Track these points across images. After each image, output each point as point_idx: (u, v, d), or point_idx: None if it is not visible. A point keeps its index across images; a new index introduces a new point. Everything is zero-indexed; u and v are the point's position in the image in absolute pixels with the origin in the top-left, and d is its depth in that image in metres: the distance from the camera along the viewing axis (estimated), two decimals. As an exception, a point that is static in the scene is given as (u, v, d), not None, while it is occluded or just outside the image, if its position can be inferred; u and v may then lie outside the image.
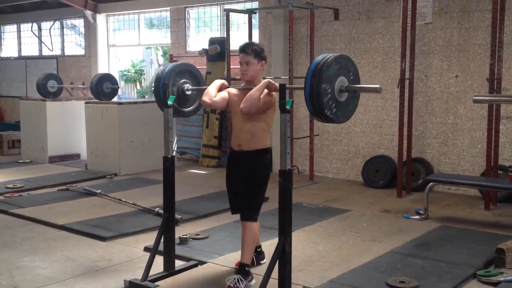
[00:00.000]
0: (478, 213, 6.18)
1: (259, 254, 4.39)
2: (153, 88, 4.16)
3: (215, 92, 4.01)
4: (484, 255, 4.55)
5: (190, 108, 4.41)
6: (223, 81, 4.16)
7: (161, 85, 4.13)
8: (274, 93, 3.91)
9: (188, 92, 4.29)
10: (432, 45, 7.32)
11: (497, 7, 6.15)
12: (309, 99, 3.19)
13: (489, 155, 6.31)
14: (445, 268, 4.29)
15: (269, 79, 3.90)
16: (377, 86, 3.37)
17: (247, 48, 4.02)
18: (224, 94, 4.07)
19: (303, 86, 3.24)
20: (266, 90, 3.85)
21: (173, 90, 4.18)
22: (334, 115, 3.26)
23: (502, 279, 4.00)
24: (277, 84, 3.78)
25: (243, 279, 3.83)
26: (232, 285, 3.80)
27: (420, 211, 6.00)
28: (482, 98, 6.11)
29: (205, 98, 3.96)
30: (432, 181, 6.07)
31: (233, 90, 4.12)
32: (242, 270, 3.90)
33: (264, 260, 4.38)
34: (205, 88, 4.14)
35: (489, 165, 6.32)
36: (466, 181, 6.19)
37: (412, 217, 5.94)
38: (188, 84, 4.29)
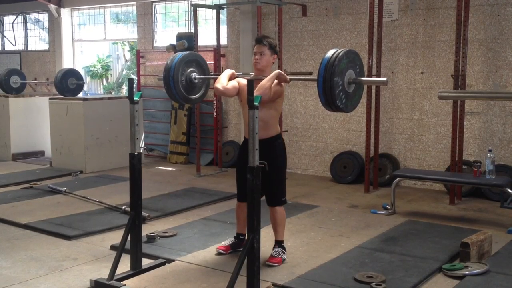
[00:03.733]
0: (443, 208, 6.29)
1: (242, 241, 4.54)
2: (163, 78, 4.40)
3: (226, 81, 4.26)
4: (450, 249, 4.63)
5: (197, 95, 4.57)
6: (233, 70, 4.40)
7: (172, 76, 4.29)
8: (283, 83, 4.19)
9: (195, 81, 4.44)
10: (398, 41, 7.40)
11: (461, 4, 6.25)
12: (322, 91, 3.46)
13: (454, 151, 6.42)
14: (411, 263, 4.35)
15: (279, 71, 4.14)
16: (384, 79, 3.79)
17: (263, 40, 4.32)
18: (234, 83, 4.31)
19: (315, 78, 3.50)
20: (276, 80, 4.09)
21: (182, 79, 4.36)
22: (343, 105, 3.55)
23: (467, 272, 4.06)
24: (287, 76, 4.11)
25: (284, 251, 4.38)
26: (276, 256, 4.30)
27: (387, 206, 6.07)
28: (447, 94, 6.20)
29: (218, 85, 4.22)
30: (399, 176, 6.14)
31: (242, 80, 4.34)
32: (281, 245, 4.40)
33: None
34: (212, 77, 4.48)
35: (454, 160, 6.43)
36: (432, 176, 6.29)
37: (379, 212, 6.00)
38: (195, 73, 4.45)
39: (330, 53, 3.51)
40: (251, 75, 4.37)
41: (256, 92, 3.95)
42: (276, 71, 4.13)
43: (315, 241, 5.00)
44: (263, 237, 3.87)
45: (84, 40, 12.00)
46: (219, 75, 4.44)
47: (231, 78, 4.33)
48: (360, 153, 7.61)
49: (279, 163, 4.37)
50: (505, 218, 5.69)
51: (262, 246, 3.60)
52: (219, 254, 4.55)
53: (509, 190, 5.48)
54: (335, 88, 3.43)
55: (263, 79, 4.13)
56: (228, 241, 4.66)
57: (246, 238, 4.51)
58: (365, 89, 7.05)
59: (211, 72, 4.96)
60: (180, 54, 4.42)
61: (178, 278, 4.07)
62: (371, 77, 6.91)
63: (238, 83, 4.34)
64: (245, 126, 4.37)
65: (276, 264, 4.28)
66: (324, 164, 8.12)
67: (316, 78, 3.49)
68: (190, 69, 4.44)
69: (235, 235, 4.67)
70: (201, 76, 4.49)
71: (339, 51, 3.51)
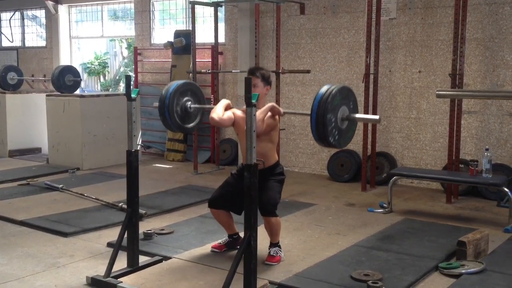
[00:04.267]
0: (440, 206, 6.30)
1: (236, 240, 4.57)
2: (158, 108, 4.40)
3: (222, 111, 4.26)
4: (446, 248, 4.63)
5: (192, 123, 4.54)
6: (228, 101, 4.38)
7: (167, 106, 4.27)
8: (277, 116, 4.19)
9: (191, 110, 4.42)
10: (396, 40, 7.41)
11: (459, 3, 6.25)
12: (315, 128, 3.45)
13: (451, 149, 6.42)
14: (408, 261, 4.35)
15: (273, 103, 4.12)
16: (377, 117, 3.78)
17: (256, 72, 4.32)
18: (230, 114, 4.32)
19: (308, 113, 3.49)
20: (269, 113, 4.07)
21: (177, 108, 4.34)
22: (336, 142, 3.54)
23: (463, 271, 4.07)
24: (281, 109, 4.12)
25: (280, 249, 4.41)
26: (275, 255, 4.32)
27: (384, 205, 6.07)
28: (445, 93, 6.22)
29: (214, 115, 4.22)
30: (396, 175, 6.15)
31: (237, 111, 4.37)
32: (277, 244, 4.41)
33: None
34: (207, 107, 4.49)
35: (450, 159, 6.43)
36: (429, 175, 6.30)
37: (376, 210, 6.01)
38: (190, 102, 4.42)
39: (323, 89, 3.49)
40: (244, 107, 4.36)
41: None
42: (270, 104, 4.09)
43: (312, 239, 5.00)
44: (260, 235, 3.86)
45: (81, 37, 11.98)
46: (215, 105, 4.45)
47: (227, 108, 4.32)
48: (357, 152, 7.61)
49: (276, 180, 4.39)
50: (501, 217, 5.70)
51: (259, 244, 3.60)
52: (213, 252, 4.56)
53: (506, 189, 5.49)
54: (328, 125, 3.42)
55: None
56: (223, 240, 4.67)
57: (239, 236, 4.57)
58: (362, 87, 7.10)
59: (207, 96, 4.93)
60: (175, 84, 4.37)
61: (175, 276, 4.07)
62: (368, 77, 6.93)
63: (234, 114, 4.34)
64: (243, 155, 4.32)
65: (276, 263, 4.29)
66: (321, 162, 8.12)
67: (309, 113, 3.47)
68: (185, 98, 4.41)
69: (227, 236, 4.67)
70: (196, 106, 4.46)
71: (332, 87, 3.49)
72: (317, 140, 3.53)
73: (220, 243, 4.64)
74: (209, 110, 4.40)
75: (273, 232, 4.36)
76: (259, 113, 3.96)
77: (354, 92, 3.70)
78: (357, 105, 3.69)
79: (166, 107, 4.27)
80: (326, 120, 3.40)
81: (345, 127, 3.59)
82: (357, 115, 3.65)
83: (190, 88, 4.46)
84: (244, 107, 4.26)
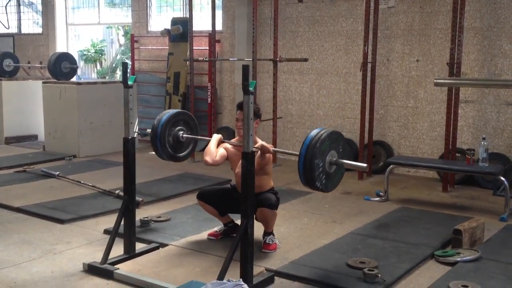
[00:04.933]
0: (436, 195, 6.31)
1: (232, 228, 4.59)
2: (150, 138, 4.34)
3: (215, 149, 4.30)
4: (442, 236, 4.65)
5: (184, 152, 4.50)
6: (219, 136, 4.40)
7: (158, 137, 4.23)
8: (267, 154, 4.22)
9: (183, 139, 4.39)
10: (394, 29, 7.38)
11: (458, -8, 6.23)
12: (303, 172, 3.45)
13: (448, 139, 6.43)
14: (404, 249, 4.37)
15: (262, 143, 4.15)
16: (365, 165, 3.73)
17: (242, 72, 4.22)
18: (222, 151, 4.36)
19: (297, 153, 3.51)
20: (259, 152, 4.05)
21: (169, 139, 4.30)
22: (323, 186, 3.53)
23: (459, 259, 4.09)
24: (271, 148, 4.16)
25: (275, 237, 4.44)
26: (271, 243, 4.35)
27: (380, 193, 6.09)
28: (443, 81, 6.21)
29: (207, 158, 4.25)
30: (392, 164, 6.16)
31: (229, 146, 4.42)
32: (272, 232, 4.44)
33: None
34: (199, 138, 4.50)
35: (447, 148, 6.44)
36: (425, 163, 6.31)
37: (373, 199, 6.02)
38: (182, 132, 4.39)
39: (313, 133, 3.50)
40: (235, 141, 4.44)
41: (238, 168, 4.09)
42: (259, 144, 4.09)
43: (308, 227, 5.01)
44: (256, 222, 3.87)
45: (78, 24, 11.90)
46: (207, 138, 4.46)
47: (219, 143, 4.35)
48: (355, 140, 7.61)
49: (273, 193, 4.44)
50: (497, 206, 5.71)
51: (254, 232, 3.61)
52: (210, 240, 4.58)
53: (502, 178, 5.51)
54: (316, 169, 3.42)
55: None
56: (218, 227, 4.69)
57: (235, 224, 4.59)
58: (359, 76, 7.08)
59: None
60: (167, 114, 4.31)
61: (172, 263, 4.08)
62: (366, 65, 6.91)
63: (226, 149, 4.39)
64: (237, 184, 4.43)
65: (273, 251, 4.31)
66: (318, 151, 8.10)
67: (298, 155, 3.47)
68: (177, 128, 4.36)
69: (223, 225, 4.69)
70: (188, 136, 4.43)
71: (322, 132, 3.49)
72: (304, 184, 3.52)
73: (216, 230, 4.66)
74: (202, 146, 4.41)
75: (269, 223, 4.39)
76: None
77: (343, 136, 3.70)
78: (346, 149, 3.69)
79: (157, 137, 4.23)
80: (313, 164, 3.39)
81: (333, 171, 3.58)
82: (346, 161, 3.62)
83: (182, 118, 4.42)
84: (235, 141, 4.43)
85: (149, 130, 4.29)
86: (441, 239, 4.59)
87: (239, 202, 3.60)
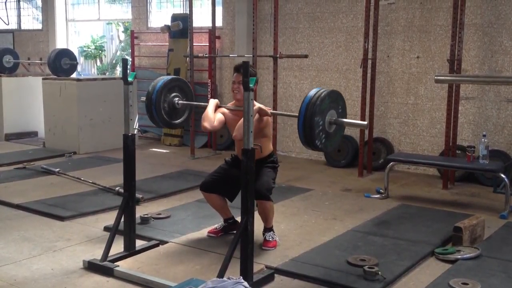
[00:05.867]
0: (436, 192, 6.31)
1: (232, 224, 4.58)
2: (145, 105, 4.29)
3: (213, 115, 4.25)
4: (442, 233, 4.65)
5: (180, 119, 4.46)
6: (216, 100, 4.36)
7: (154, 103, 4.19)
8: (265, 117, 4.14)
9: (178, 106, 4.35)
10: (394, 25, 7.36)
11: (458, -12, 6.21)
12: (302, 130, 3.40)
13: (448, 135, 6.42)
14: (404, 246, 4.37)
15: (260, 105, 4.06)
16: (365, 123, 3.80)
17: (241, 69, 4.16)
18: (220, 116, 4.31)
19: (296, 114, 3.44)
20: (257, 115, 4.00)
21: (164, 105, 4.27)
22: (323, 145, 3.49)
23: (459, 256, 4.09)
24: (268, 111, 4.08)
25: (275, 233, 4.43)
26: (271, 240, 4.34)
27: (381, 190, 6.08)
28: (443, 78, 6.19)
29: (206, 124, 4.21)
30: (393, 161, 6.15)
31: (226, 111, 4.37)
32: (272, 229, 4.43)
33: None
34: (195, 104, 4.44)
35: (447, 145, 6.44)
36: (425, 160, 6.30)
37: (373, 196, 6.02)
38: (178, 98, 4.35)
39: (312, 92, 3.46)
40: (231, 105, 4.39)
41: (235, 132, 4.07)
42: (256, 107, 3.98)
43: (309, 224, 5.01)
44: (256, 219, 3.87)
45: (77, 20, 11.88)
46: (203, 104, 4.41)
47: (216, 108, 4.31)
48: (355, 137, 7.61)
49: (269, 167, 4.37)
50: (497, 203, 5.71)
51: (254, 229, 3.61)
52: (210, 237, 4.56)
53: (502, 175, 5.50)
54: (315, 127, 3.38)
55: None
56: (218, 225, 4.67)
57: (235, 220, 4.57)
58: (360, 73, 7.07)
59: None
60: (161, 80, 4.29)
61: (172, 260, 4.08)
62: (366, 62, 6.90)
63: (224, 114, 4.35)
64: (236, 148, 4.43)
65: (272, 248, 4.30)
66: (318, 148, 8.09)
67: (297, 115, 3.43)
68: (172, 95, 4.33)
69: (223, 221, 4.67)
70: (184, 102, 4.40)
71: (322, 90, 3.45)
72: (303, 142, 3.49)
73: (216, 228, 4.65)
74: (198, 108, 4.42)
75: (267, 217, 4.37)
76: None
77: (343, 97, 3.65)
78: (345, 110, 3.64)
79: (153, 104, 4.20)
80: (313, 122, 3.36)
81: (332, 130, 3.54)
82: (345, 120, 3.59)
83: (177, 84, 4.39)
84: (232, 105, 4.36)
85: (143, 98, 4.25)
86: (441, 236, 4.59)
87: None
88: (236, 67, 4.27)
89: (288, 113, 4.43)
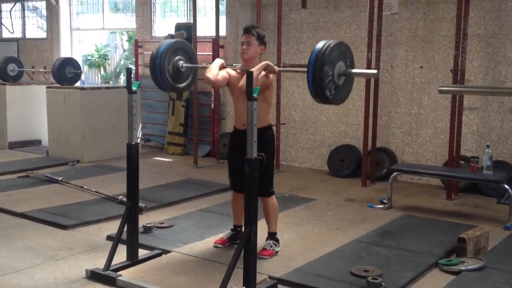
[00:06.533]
0: (440, 203, 6.29)
1: (239, 233, 4.47)
2: (149, 67, 4.32)
3: (217, 70, 4.17)
4: (446, 244, 4.63)
5: (184, 83, 4.48)
6: (222, 60, 4.31)
7: (158, 66, 4.20)
8: (271, 75, 4.10)
9: (183, 69, 4.35)
10: (398, 35, 7.38)
11: (462, -1, 6.22)
12: (312, 81, 3.39)
13: (452, 146, 6.41)
14: (408, 257, 4.35)
15: (267, 62, 4.04)
16: (375, 71, 3.78)
17: (251, 29, 4.25)
18: (224, 73, 4.23)
19: (305, 68, 3.44)
20: (263, 72, 3.99)
21: (169, 68, 4.28)
22: (332, 96, 3.47)
23: (463, 268, 4.06)
24: (276, 67, 4.04)
25: (276, 243, 4.35)
26: (268, 248, 4.28)
27: (384, 200, 6.06)
28: (447, 88, 6.19)
29: (209, 75, 4.13)
30: (396, 171, 6.14)
31: (231, 71, 4.28)
32: (274, 237, 4.37)
33: None
34: (199, 66, 4.41)
35: (451, 156, 6.42)
36: (429, 171, 6.28)
37: (376, 206, 6.00)
38: (182, 61, 4.35)
39: (321, 44, 3.45)
40: (238, 66, 4.33)
41: (241, 82, 3.97)
42: (264, 62, 4.04)
43: (312, 234, 5.00)
44: (260, 229, 3.86)
45: (82, 29, 11.93)
46: (208, 64, 4.37)
47: (221, 68, 4.25)
48: (358, 147, 7.60)
49: (268, 152, 4.10)
50: (501, 214, 5.69)
51: (259, 239, 3.60)
52: (216, 247, 4.50)
53: (506, 186, 5.48)
54: (325, 78, 3.37)
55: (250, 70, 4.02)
56: (225, 234, 4.63)
57: (241, 229, 4.54)
58: (363, 82, 7.07)
59: (204, 63, 4.89)
60: (166, 43, 4.32)
61: (174, 269, 4.06)
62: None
63: (228, 74, 4.28)
64: (236, 117, 4.36)
65: (267, 257, 4.25)
66: (321, 157, 8.10)
67: (306, 68, 3.43)
68: (177, 57, 4.33)
69: (232, 227, 4.64)
70: (189, 65, 4.39)
71: (330, 42, 3.45)
72: (313, 94, 3.46)
73: (222, 237, 4.59)
74: (202, 69, 4.33)
75: (270, 217, 4.32)
76: (253, 71, 3.86)
77: (351, 50, 3.65)
78: (353, 62, 3.64)
79: (157, 66, 4.19)
80: (323, 72, 3.34)
81: (341, 83, 3.53)
82: (354, 70, 3.61)
83: (182, 46, 4.37)
84: (239, 65, 4.30)
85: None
86: (445, 247, 4.57)
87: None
88: (245, 28, 4.26)
89: (297, 69, 4.43)
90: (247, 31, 4.22)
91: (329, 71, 3.39)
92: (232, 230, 4.61)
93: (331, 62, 3.41)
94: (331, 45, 3.40)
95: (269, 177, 4.27)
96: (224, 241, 4.55)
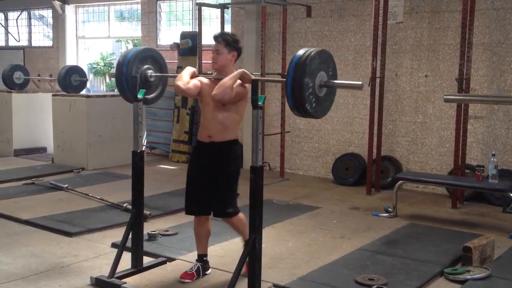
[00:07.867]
0: (445, 211, 6.27)
1: (206, 263, 4.15)
2: (115, 76, 4.04)
3: (188, 78, 3.89)
4: (451, 253, 4.61)
5: (153, 94, 4.25)
6: (194, 69, 4.04)
7: (124, 74, 3.96)
8: (247, 84, 3.76)
9: (151, 79, 4.13)
10: (402, 44, 7.39)
11: (467, 8, 6.23)
12: (291, 93, 3.11)
13: (457, 154, 6.39)
14: (413, 266, 4.33)
15: (243, 70, 3.78)
16: (359, 83, 3.35)
17: (219, 37, 3.97)
18: (196, 82, 3.93)
19: (283, 79, 3.19)
20: (239, 81, 3.73)
21: (136, 76, 4.03)
22: (313, 110, 3.20)
23: (469, 277, 4.05)
24: (251, 76, 3.67)
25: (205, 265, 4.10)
26: (190, 272, 4.02)
27: (389, 209, 6.05)
28: (453, 97, 6.18)
29: (179, 83, 3.84)
30: (401, 179, 6.13)
31: (204, 79, 3.98)
32: (202, 259, 4.12)
33: (210, 271, 4.14)
34: (169, 75, 4.17)
35: (456, 164, 6.40)
36: (434, 179, 6.27)
37: (381, 214, 5.99)
38: (151, 71, 4.12)
39: (301, 52, 3.17)
40: (213, 74, 4.02)
41: (216, 90, 3.67)
42: (240, 70, 3.73)
43: (316, 242, 4.99)
44: (265, 237, 3.85)
45: (88, 37, 12.00)
46: (178, 73, 4.13)
47: (192, 76, 3.94)
48: (363, 155, 7.59)
49: (231, 169, 3.92)
50: (507, 223, 5.67)
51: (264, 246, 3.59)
52: (182, 283, 3.96)
53: (511, 195, 5.46)
54: (305, 89, 3.08)
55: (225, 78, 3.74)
56: (191, 267, 4.11)
57: (207, 259, 4.16)
58: (368, 91, 7.07)
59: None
60: (134, 50, 4.04)
61: (179, 277, 4.05)
62: (374, 80, 6.91)
63: (200, 82, 3.94)
64: (202, 128, 3.99)
65: (188, 281, 3.95)
66: (326, 166, 8.10)
67: (285, 78, 3.16)
68: (145, 66, 4.04)
69: (197, 258, 4.16)
70: (158, 74, 4.11)
71: (311, 50, 3.17)
72: (292, 107, 3.17)
73: (188, 271, 4.06)
74: (172, 78, 4.03)
75: (239, 231, 4.04)
76: (227, 79, 3.68)
77: (333, 58, 3.35)
78: (336, 73, 3.36)
79: (124, 75, 3.90)
80: (303, 84, 3.06)
81: (323, 94, 3.26)
82: (337, 81, 3.32)
83: (150, 55, 4.12)
84: (214, 74, 3.99)
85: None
86: (451, 256, 4.55)
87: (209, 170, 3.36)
88: (213, 36, 3.98)
89: (274, 79, 3.99)
90: (214, 39, 3.95)
91: (309, 83, 3.12)
92: (197, 260, 4.13)
93: (312, 73, 3.14)
94: (312, 54, 3.13)
95: (230, 196, 3.93)
96: (191, 275, 4.02)
